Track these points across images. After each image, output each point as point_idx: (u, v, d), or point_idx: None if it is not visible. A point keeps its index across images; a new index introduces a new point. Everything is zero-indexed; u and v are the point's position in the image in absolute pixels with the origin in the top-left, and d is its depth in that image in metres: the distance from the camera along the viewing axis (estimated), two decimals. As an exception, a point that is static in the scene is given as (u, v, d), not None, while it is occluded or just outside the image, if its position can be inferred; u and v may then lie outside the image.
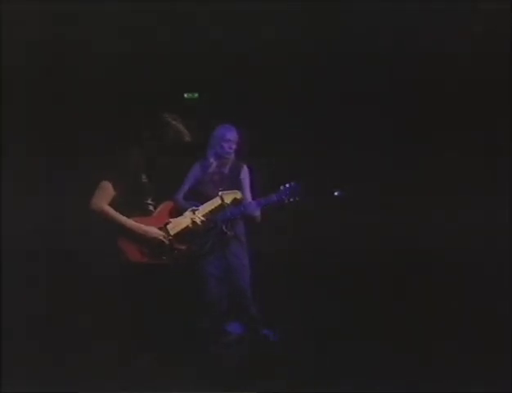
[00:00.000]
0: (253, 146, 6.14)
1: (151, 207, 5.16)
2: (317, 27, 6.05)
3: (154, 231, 5.04)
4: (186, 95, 6.66)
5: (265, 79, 6.40)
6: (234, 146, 5.98)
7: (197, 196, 5.75)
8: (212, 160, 6.01)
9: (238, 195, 5.55)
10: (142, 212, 5.09)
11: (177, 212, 5.26)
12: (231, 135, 5.98)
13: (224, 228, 5.69)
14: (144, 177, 5.13)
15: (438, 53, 5.94)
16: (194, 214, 5.27)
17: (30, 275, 5.69)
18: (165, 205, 5.23)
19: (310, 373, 5.12)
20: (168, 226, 5.13)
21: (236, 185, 5.85)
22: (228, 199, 5.49)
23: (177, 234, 5.13)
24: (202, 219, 5.26)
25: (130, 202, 5.03)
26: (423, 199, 6.16)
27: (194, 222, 5.22)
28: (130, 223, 5.00)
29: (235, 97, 6.46)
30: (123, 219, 4.98)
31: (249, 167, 6.04)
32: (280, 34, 6.11)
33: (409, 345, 5.35)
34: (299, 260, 6.35)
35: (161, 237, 5.04)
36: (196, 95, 6.65)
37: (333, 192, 6.44)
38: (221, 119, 6.06)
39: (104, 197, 4.98)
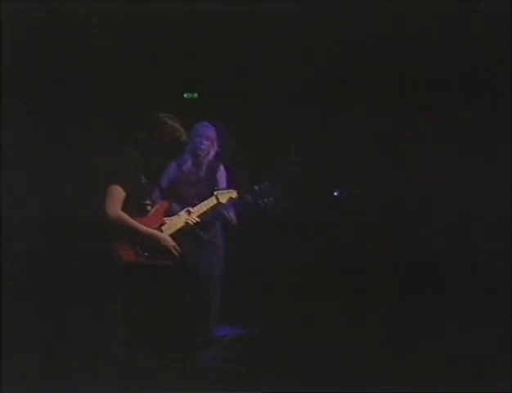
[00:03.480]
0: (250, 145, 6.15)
1: (149, 207, 5.16)
2: (315, 29, 6.07)
3: (165, 237, 5.07)
4: (185, 95, 6.65)
5: (264, 79, 6.40)
6: (207, 143, 5.88)
7: (173, 196, 5.66)
8: (186, 157, 5.93)
9: (234, 194, 5.51)
10: (140, 212, 5.09)
11: (172, 213, 5.25)
12: (204, 131, 5.90)
13: (199, 230, 5.49)
14: (143, 177, 5.14)
15: (438, 54, 5.95)
16: (189, 214, 5.27)
17: (28, 274, 5.67)
18: (160, 206, 5.22)
19: (310, 373, 5.13)
20: (163, 227, 5.13)
21: (212, 185, 5.75)
22: (224, 199, 5.46)
23: (172, 235, 5.13)
24: (196, 219, 5.25)
25: (129, 203, 5.03)
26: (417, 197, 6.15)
27: (187, 222, 5.23)
28: (142, 227, 5.01)
29: (233, 97, 6.45)
30: (136, 223, 5.00)
31: (226, 167, 5.95)
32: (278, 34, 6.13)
33: (408, 345, 5.35)
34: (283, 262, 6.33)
35: (171, 244, 5.06)
36: (196, 95, 6.64)
37: (332, 192, 6.43)
38: (221, 119, 6.08)
39: (117, 203, 4.99)
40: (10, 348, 5.12)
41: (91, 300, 5.27)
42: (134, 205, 5.06)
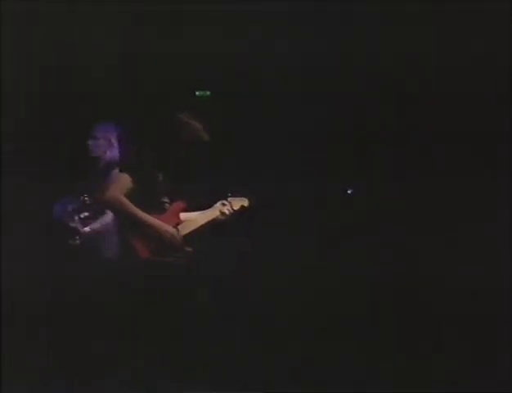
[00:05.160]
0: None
1: (167, 206, 5.19)
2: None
3: (166, 226, 5.05)
4: (197, 93, 6.65)
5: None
6: (98, 143, 5.81)
7: None
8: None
9: (246, 202, 5.47)
10: (157, 209, 5.11)
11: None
12: (96, 131, 5.83)
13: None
14: (160, 176, 5.16)
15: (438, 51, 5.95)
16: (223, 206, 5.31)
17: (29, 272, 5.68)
18: (176, 205, 5.24)
19: (310, 374, 5.13)
20: (180, 226, 5.15)
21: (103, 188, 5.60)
22: (236, 205, 5.43)
23: (187, 235, 5.16)
24: (233, 209, 5.26)
25: (146, 200, 5.05)
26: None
27: (222, 212, 5.24)
28: (145, 216, 5.00)
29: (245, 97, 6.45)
30: (138, 211, 4.98)
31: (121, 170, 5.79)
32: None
33: (408, 345, 5.34)
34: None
35: (172, 233, 5.04)
36: (208, 93, 6.64)
37: (346, 190, 6.41)
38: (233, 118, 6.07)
39: (120, 188, 4.99)
40: (17, 346, 5.12)
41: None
42: (151, 202, 5.08)
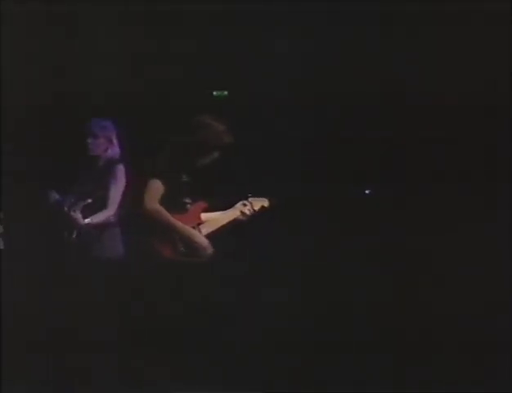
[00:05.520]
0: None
1: (188, 206, 5.23)
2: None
3: (201, 237, 5.14)
4: (214, 93, 6.65)
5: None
6: (96, 141, 5.82)
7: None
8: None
9: (266, 203, 5.50)
10: (180, 210, 5.15)
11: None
12: (92, 128, 5.85)
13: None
14: (184, 177, 5.19)
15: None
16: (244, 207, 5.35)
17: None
18: (198, 205, 5.28)
19: (310, 374, 5.12)
20: (201, 225, 5.20)
21: (105, 185, 5.78)
22: (256, 206, 5.45)
23: (208, 235, 5.21)
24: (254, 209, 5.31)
25: (169, 201, 5.09)
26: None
27: (243, 212, 5.30)
28: (180, 225, 5.08)
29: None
30: (174, 220, 5.06)
31: (125, 166, 5.90)
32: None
33: (408, 345, 5.33)
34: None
35: (206, 247, 5.13)
36: (225, 93, 6.64)
37: (364, 191, 6.42)
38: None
39: (155, 197, 5.04)
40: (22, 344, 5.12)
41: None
42: (173, 202, 5.12)
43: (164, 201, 5.08)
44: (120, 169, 5.85)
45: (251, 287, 5.56)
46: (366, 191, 6.45)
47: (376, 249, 6.02)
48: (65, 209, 5.79)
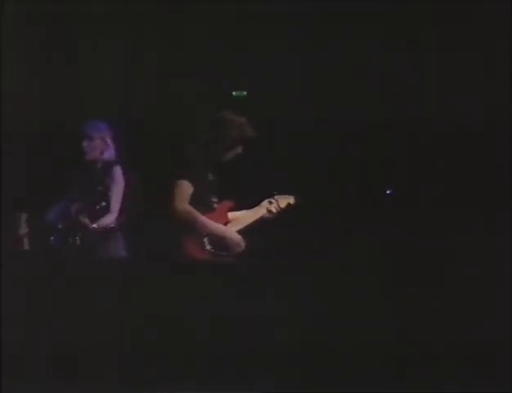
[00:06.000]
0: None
1: (215, 205, 5.28)
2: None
3: (233, 233, 5.19)
4: (234, 93, 6.68)
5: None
6: (92, 143, 5.79)
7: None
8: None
9: (292, 200, 5.51)
10: (207, 209, 5.21)
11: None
12: (87, 130, 5.82)
13: None
14: (210, 175, 5.23)
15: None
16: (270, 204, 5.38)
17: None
18: (225, 204, 5.34)
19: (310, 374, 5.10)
20: (228, 225, 5.25)
21: (103, 188, 5.77)
22: (283, 203, 5.48)
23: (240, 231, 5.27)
24: (280, 207, 5.33)
25: (197, 200, 5.15)
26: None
27: (269, 210, 5.34)
28: (211, 223, 5.13)
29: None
30: (206, 219, 5.12)
31: (124, 167, 5.86)
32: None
33: (408, 345, 5.31)
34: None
35: (238, 242, 5.19)
36: (245, 93, 6.69)
37: (385, 191, 6.43)
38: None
39: (186, 197, 5.09)
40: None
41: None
42: (201, 202, 5.18)
43: (193, 200, 5.13)
44: (118, 171, 5.83)
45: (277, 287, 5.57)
46: (387, 192, 6.48)
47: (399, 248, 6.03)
48: (72, 214, 5.79)
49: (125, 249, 5.82)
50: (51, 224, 5.85)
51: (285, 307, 5.21)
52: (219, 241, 5.14)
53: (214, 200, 5.28)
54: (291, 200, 5.50)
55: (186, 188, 5.10)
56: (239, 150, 5.29)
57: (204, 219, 5.11)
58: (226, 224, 5.27)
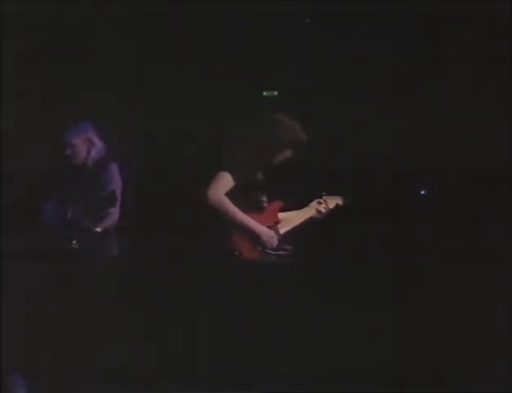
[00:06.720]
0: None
1: (265, 204, 5.26)
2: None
3: (265, 229, 5.14)
4: (265, 93, 6.68)
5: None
6: (73, 148, 5.73)
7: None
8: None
9: (340, 201, 5.50)
10: (255, 209, 5.18)
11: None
12: (67, 138, 5.75)
13: None
14: (260, 174, 5.22)
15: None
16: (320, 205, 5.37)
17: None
18: (275, 204, 5.31)
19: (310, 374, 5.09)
20: (279, 225, 5.24)
21: (99, 186, 5.71)
22: (331, 204, 5.46)
23: (286, 233, 5.26)
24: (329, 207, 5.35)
25: (245, 200, 5.12)
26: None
27: (319, 211, 5.34)
28: (244, 217, 5.07)
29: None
30: (238, 211, 5.05)
31: (121, 164, 5.81)
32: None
33: (407, 345, 5.31)
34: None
35: (271, 235, 5.14)
36: (276, 93, 6.69)
37: (419, 191, 6.44)
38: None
39: (222, 187, 5.04)
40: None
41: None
42: (250, 201, 5.16)
43: (240, 198, 5.08)
44: (114, 169, 5.77)
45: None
46: (422, 192, 6.48)
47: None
48: (71, 216, 5.71)
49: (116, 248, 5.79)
50: (47, 225, 5.79)
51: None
52: (254, 236, 5.12)
53: (264, 199, 5.27)
54: (339, 200, 5.50)
55: (224, 180, 5.06)
56: (288, 154, 5.26)
57: (235, 211, 5.05)
58: (276, 224, 5.25)
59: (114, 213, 5.71)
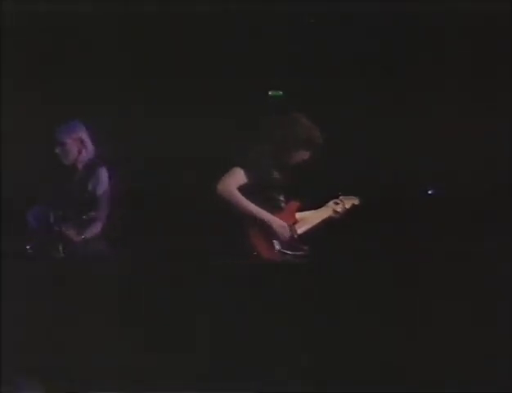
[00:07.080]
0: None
1: (283, 204, 5.27)
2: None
3: (278, 220, 5.14)
4: (270, 92, 6.69)
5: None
6: (64, 147, 5.57)
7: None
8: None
9: (356, 201, 5.51)
10: (273, 208, 5.18)
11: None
12: (57, 136, 5.62)
13: None
14: (276, 174, 5.21)
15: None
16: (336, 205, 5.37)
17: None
18: (292, 204, 5.32)
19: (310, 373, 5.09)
20: (297, 225, 5.25)
21: (86, 190, 5.61)
22: (348, 204, 5.46)
23: (304, 233, 5.27)
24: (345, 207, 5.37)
25: (263, 198, 5.14)
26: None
27: (335, 211, 5.36)
28: (257, 209, 5.08)
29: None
30: (250, 204, 5.07)
31: (111, 168, 5.67)
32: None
33: (407, 344, 5.30)
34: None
35: (284, 226, 5.14)
36: (281, 93, 6.68)
37: (427, 191, 6.44)
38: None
39: (233, 181, 5.06)
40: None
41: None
42: (267, 199, 5.17)
43: (258, 198, 5.10)
44: (103, 173, 5.61)
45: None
46: (429, 192, 6.50)
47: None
48: (52, 221, 5.53)
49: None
50: (30, 229, 5.63)
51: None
52: (272, 232, 5.12)
53: (281, 198, 5.28)
54: (356, 200, 5.51)
55: (237, 175, 5.09)
56: (305, 155, 5.28)
57: (245, 202, 5.07)
58: (294, 224, 5.25)
59: (99, 220, 5.58)
